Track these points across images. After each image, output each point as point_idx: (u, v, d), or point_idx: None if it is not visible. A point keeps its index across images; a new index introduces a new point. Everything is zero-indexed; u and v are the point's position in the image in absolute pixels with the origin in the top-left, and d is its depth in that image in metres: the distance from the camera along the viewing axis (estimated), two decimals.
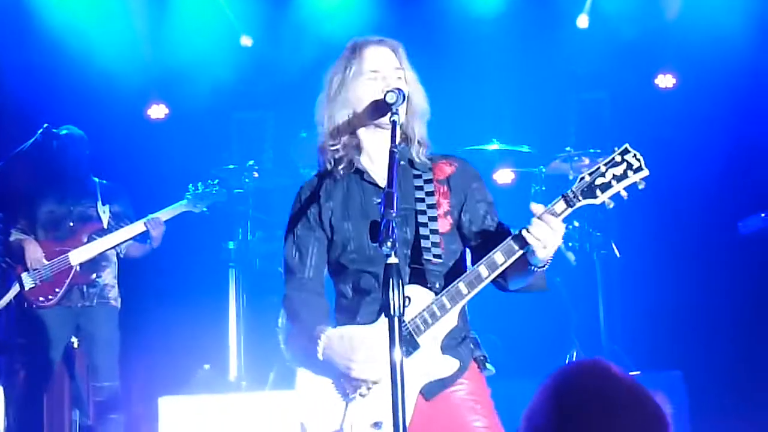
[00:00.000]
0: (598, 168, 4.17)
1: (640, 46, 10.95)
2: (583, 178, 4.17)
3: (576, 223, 9.84)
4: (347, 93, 4.45)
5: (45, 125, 8.40)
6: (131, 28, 10.96)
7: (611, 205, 4.16)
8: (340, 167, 4.49)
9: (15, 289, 8.34)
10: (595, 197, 4.15)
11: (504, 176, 10.17)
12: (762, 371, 9.33)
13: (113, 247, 8.53)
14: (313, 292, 4.49)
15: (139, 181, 9.81)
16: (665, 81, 11.08)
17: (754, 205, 9.30)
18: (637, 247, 10.23)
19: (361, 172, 4.48)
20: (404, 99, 4.25)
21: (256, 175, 10.10)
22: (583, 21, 11.16)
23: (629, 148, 4.18)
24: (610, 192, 4.15)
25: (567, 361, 9.30)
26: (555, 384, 2.50)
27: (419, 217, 4.36)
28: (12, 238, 8.44)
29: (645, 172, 4.15)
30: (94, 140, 8.97)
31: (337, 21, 11.13)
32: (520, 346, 9.28)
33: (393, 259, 3.46)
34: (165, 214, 8.55)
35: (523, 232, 4.05)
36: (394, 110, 4.16)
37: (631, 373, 8.26)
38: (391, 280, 3.41)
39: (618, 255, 9.86)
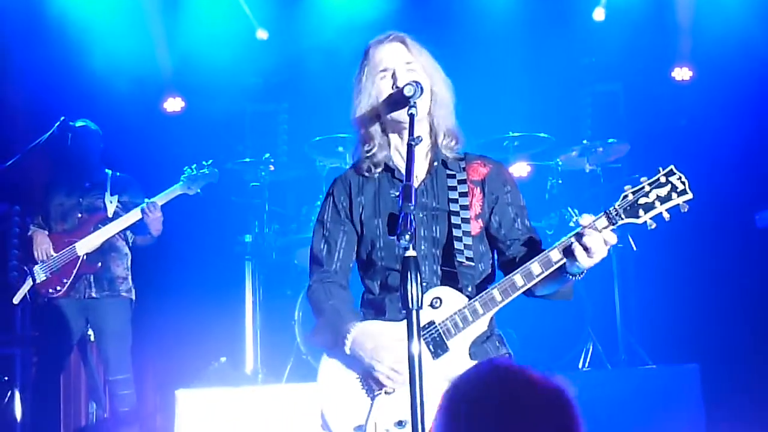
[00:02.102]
0: (642, 187, 4.13)
1: (656, 39, 10.94)
2: (626, 196, 4.13)
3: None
4: (368, 96, 4.44)
5: (62, 118, 8.42)
6: (147, 22, 10.96)
7: (653, 226, 4.13)
8: (376, 169, 4.49)
9: (29, 283, 8.36)
10: (638, 217, 4.13)
11: (520, 169, 10.15)
12: None
13: (118, 235, 8.51)
14: (339, 285, 4.47)
15: (155, 174, 9.82)
16: (682, 74, 11.05)
17: None
18: (654, 240, 10.20)
19: (392, 170, 4.47)
20: (422, 91, 4.22)
21: (272, 168, 10.11)
22: (599, 14, 11.13)
23: (674, 170, 4.16)
24: (653, 213, 4.13)
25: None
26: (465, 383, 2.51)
27: (452, 218, 4.36)
28: (30, 233, 8.47)
29: (689, 196, 4.14)
30: (112, 133, 8.99)
31: (351, 14, 11.15)
32: (536, 339, 9.28)
33: (411, 252, 3.45)
34: (161, 199, 8.51)
35: (573, 240, 4.06)
36: (411, 103, 4.15)
37: (647, 367, 8.23)
38: (409, 273, 3.41)
39: (634, 248, 9.84)
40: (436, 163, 4.47)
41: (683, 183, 4.15)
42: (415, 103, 4.16)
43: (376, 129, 4.47)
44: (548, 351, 9.40)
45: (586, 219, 4.09)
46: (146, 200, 8.43)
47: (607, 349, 9.36)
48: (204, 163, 8.73)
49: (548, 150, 10.23)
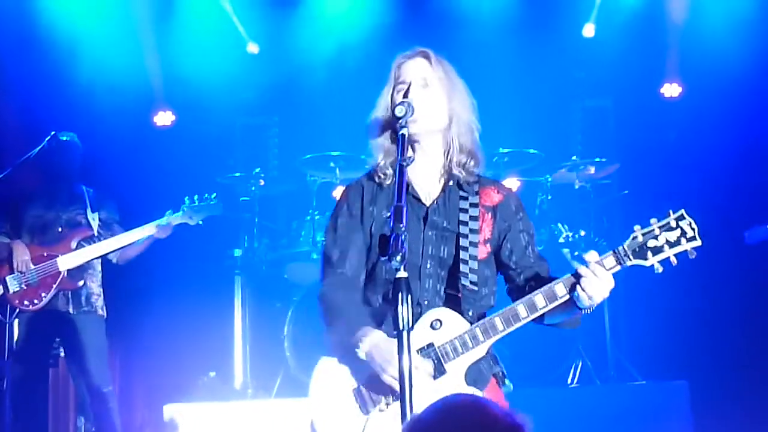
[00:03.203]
0: (652, 230, 4.14)
1: (645, 55, 10.97)
2: (635, 237, 4.14)
3: (582, 232, 9.84)
4: (382, 108, 4.48)
5: (53, 133, 8.39)
6: (138, 35, 10.96)
7: (660, 270, 4.13)
8: (387, 180, 4.47)
9: None
10: (646, 259, 4.12)
11: (510, 185, 10.15)
12: (767, 382, 9.32)
13: (112, 252, 8.48)
14: (352, 289, 4.44)
15: (145, 188, 9.83)
16: (671, 90, 11.08)
17: (760, 215, 9.29)
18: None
19: (407, 185, 4.37)
20: (413, 112, 4.19)
21: (262, 182, 10.11)
22: (589, 30, 11.17)
23: (685, 215, 4.16)
24: (661, 256, 4.13)
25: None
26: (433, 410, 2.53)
27: (461, 240, 4.35)
28: (8, 242, 8.38)
29: (698, 242, 4.13)
30: (102, 147, 8.98)
31: (343, 28, 11.17)
32: (526, 355, 9.26)
33: (402, 274, 3.46)
34: (167, 220, 8.51)
35: (576, 282, 4.07)
36: (402, 123, 4.14)
37: (636, 383, 8.25)
38: (400, 294, 3.42)
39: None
40: (451, 183, 4.47)
41: (693, 229, 4.14)
42: (405, 123, 4.15)
43: (385, 140, 4.47)
44: (538, 367, 9.39)
45: (592, 256, 4.10)
46: (159, 221, 8.40)
47: (597, 365, 9.36)
48: (206, 195, 8.71)
49: (538, 166, 10.25)
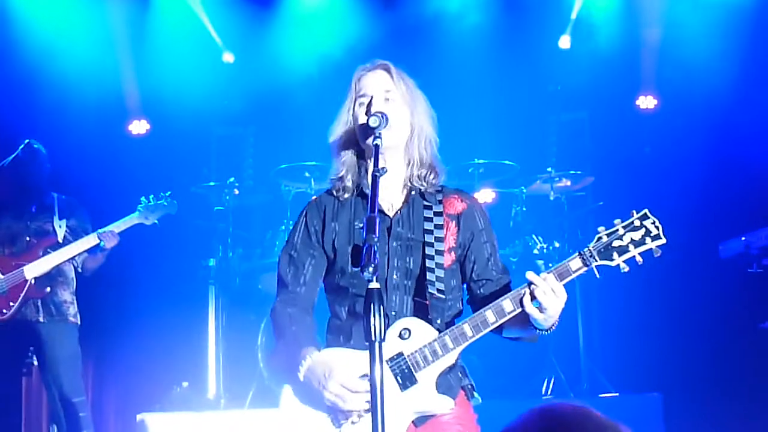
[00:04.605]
0: (617, 230, 4.17)
1: (621, 67, 11.01)
2: (600, 238, 4.17)
3: (557, 244, 9.86)
4: (344, 122, 4.46)
5: (26, 141, 8.36)
6: (113, 43, 10.94)
7: (626, 269, 4.17)
8: (346, 194, 4.47)
9: None
10: (612, 259, 4.16)
11: (485, 196, 10.18)
12: (739, 395, 9.35)
13: (67, 261, 8.43)
14: (303, 309, 4.44)
15: (119, 197, 9.78)
16: (646, 102, 11.13)
17: (734, 228, 9.31)
18: (617, 268, 10.22)
19: (367, 197, 4.40)
20: (387, 122, 4.21)
21: (236, 192, 10.10)
22: (565, 42, 11.21)
23: (648, 214, 4.19)
24: (626, 256, 4.16)
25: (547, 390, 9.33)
26: (538, 418, 2.50)
27: (426, 248, 4.34)
28: None
29: (662, 241, 4.15)
30: (76, 156, 8.93)
31: (319, 38, 11.18)
32: (499, 367, 9.27)
33: (374, 285, 3.45)
34: (117, 227, 8.45)
35: (525, 300, 4.07)
36: (376, 134, 4.16)
37: (609, 395, 8.26)
38: (372, 305, 3.41)
39: (598, 276, 9.85)
40: (413, 193, 4.46)
41: (657, 228, 4.17)
42: (380, 134, 4.16)
43: (348, 154, 4.46)
44: (511, 379, 9.40)
45: (531, 275, 4.10)
46: (101, 230, 8.35)
47: (570, 377, 9.37)
48: (162, 194, 8.66)
49: (513, 177, 10.27)
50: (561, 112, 11.31)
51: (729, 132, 10.31)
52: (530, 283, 4.07)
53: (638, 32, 11.08)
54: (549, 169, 10.01)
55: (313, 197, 4.70)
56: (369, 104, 4.37)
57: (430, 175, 4.46)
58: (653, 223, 4.18)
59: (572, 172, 9.92)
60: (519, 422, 2.52)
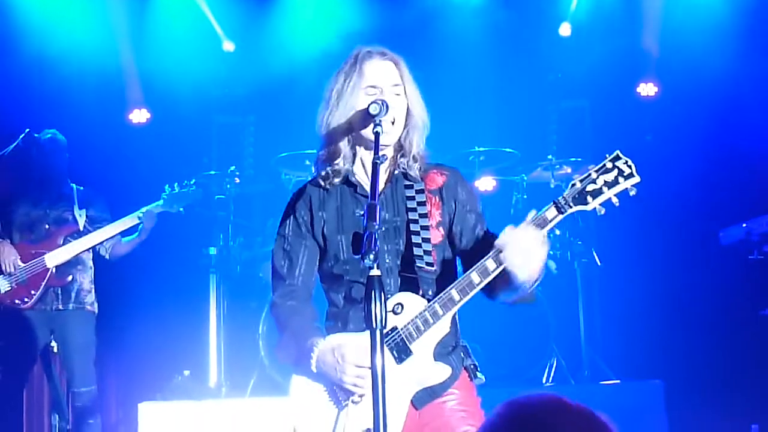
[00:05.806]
0: (589, 174, 4.17)
1: (622, 54, 10.98)
2: (574, 185, 4.17)
3: (557, 231, 9.85)
4: (345, 106, 4.38)
5: (27, 130, 8.36)
6: (113, 32, 10.92)
7: (602, 212, 4.15)
8: (336, 180, 4.45)
9: None
10: (586, 203, 4.15)
11: (486, 184, 10.16)
12: (741, 381, 9.35)
13: (95, 246, 8.46)
14: (302, 300, 4.44)
15: (120, 186, 9.79)
16: (647, 89, 11.10)
17: (734, 214, 9.30)
18: (618, 255, 10.24)
19: (354, 185, 4.43)
20: (387, 110, 4.20)
21: (237, 180, 10.09)
22: (565, 29, 11.19)
23: (620, 155, 4.20)
24: (601, 198, 4.15)
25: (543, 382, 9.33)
26: (508, 414, 2.50)
27: (411, 226, 4.33)
28: None
29: (636, 179, 4.15)
30: (77, 145, 8.92)
31: (319, 26, 11.16)
32: (500, 354, 9.27)
33: (375, 272, 3.44)
34: (152, 210, 8.51)
35: (502, 255, 4.06)
36: (377, 121, 4.15)
37: (610, 382, 8.25)
38: (373, 292, 3.40)
39: (599, 263, 9.88)
40: (396, 172, 4.46)
41: (629, 167, 4.18)
42: (380, 121, 4.15)
43: (343, 139, 4.43)
44: (512, 366, 9.39)
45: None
46: (143, 209, 8.42)
47: (571, 364, 9.37)
48: (186, 182, 8.71)
49: (514, 165, 10.27)
50: (561, 99, 11.29)
51: (730, 119, 10.30)
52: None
53: (639, 19, 11.05)
54: (550, 157, 9.99)
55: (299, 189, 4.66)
56: (381, 95, 4.34)
57: (415, 165, 4.46)
58: (626, 162, 4.19)
59: (573, 159, 9.91)
60: (487, 425, 2.51)
